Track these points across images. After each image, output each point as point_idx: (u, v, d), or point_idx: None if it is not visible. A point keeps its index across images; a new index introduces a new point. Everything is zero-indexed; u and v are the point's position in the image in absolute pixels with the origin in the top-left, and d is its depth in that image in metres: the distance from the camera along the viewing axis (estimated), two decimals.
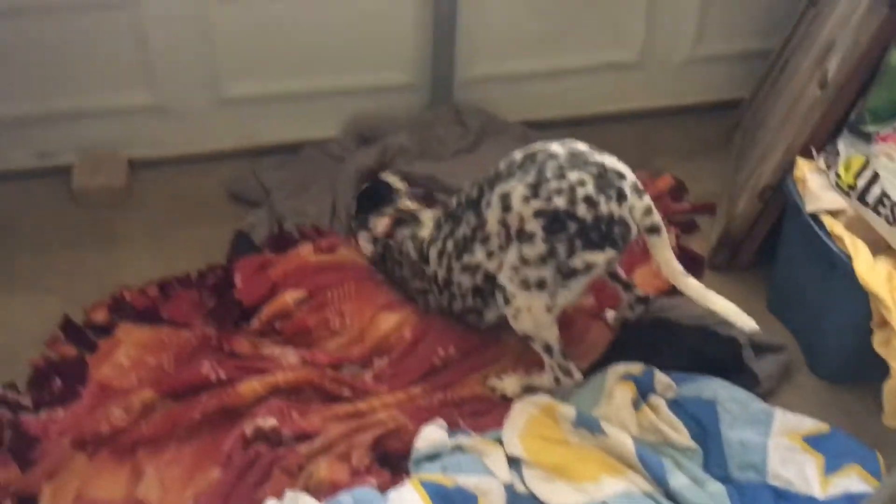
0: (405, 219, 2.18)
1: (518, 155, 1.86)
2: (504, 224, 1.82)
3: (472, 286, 1.95)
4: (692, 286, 1.87)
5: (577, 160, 1.78)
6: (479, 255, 1.88)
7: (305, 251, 2.28)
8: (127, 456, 1.86)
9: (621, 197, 1.76)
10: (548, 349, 1.93)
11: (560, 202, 1.74)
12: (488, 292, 1.93)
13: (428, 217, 2.12)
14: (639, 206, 1.79)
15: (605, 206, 1.75)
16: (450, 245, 1.95)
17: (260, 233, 2.38)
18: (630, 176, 1.81)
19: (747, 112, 2.74)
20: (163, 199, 2.57)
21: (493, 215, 1.83)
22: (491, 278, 1.89)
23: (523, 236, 1.79)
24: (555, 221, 1.75)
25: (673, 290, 2.15)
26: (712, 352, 2.10)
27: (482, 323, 2.05)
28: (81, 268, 2.34)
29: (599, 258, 1.78)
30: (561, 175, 1.76)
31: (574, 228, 1.75)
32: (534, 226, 1.77)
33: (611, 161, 1.81)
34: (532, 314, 1.85)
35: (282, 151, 2.68)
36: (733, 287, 2.36)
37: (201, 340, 2.06)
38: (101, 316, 2.18)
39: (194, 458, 1.86)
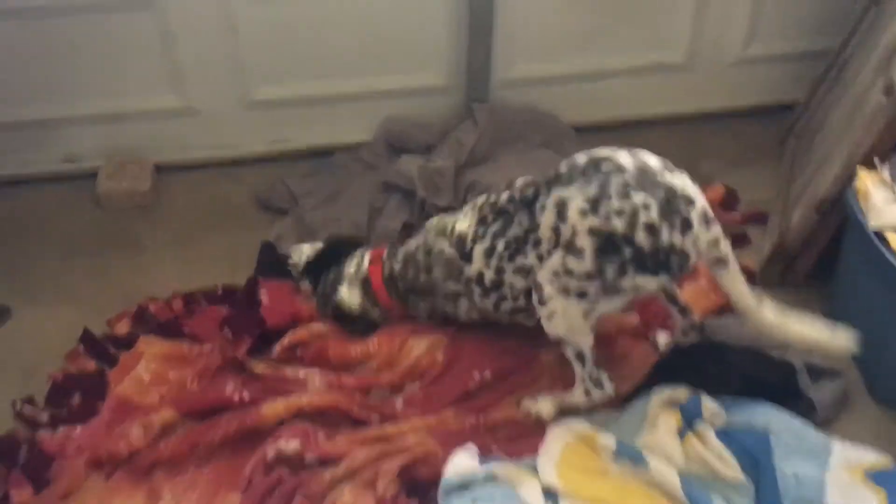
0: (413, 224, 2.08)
1: (581, 159, 1.72)
2: (556, 231, 1.70)
3: (525, 288, 1.82)
4: (769, 321, 1.72)
5: (645, 179, 1.64)
6: (531, 258, 1.77)
7: None
8: (143, 478, 1.79)
9: (686, 227, 1.63)
10: (580, 357, 1.83)
11: (619, 224, 1.62)
12: None
13: (463, 213, 1.95)
14: (704, 237, 1.65)
15: (667, 236, 1.62)
16: (500, 245, 1.82)
17: (287, 244, 2.30)
18: (700, 202, 1.67)
19: (802, 116, 2.59)
20: (189, 204, 2.51)
21: (546, 220, 1.71)
22: None
23: (572, 248, 1.67)
24: (609, 243, 1.63)
25: (722, 310, 2.03)
26: (765, 377, 1.96)
27: (532, 321, 1.92)
28: (104, 275, 2.29)
29: (651, 283, 1.68)
30: (625, 194, 1.62)
31: (629, 254, 1.63)
32: (585, 242, 1.65)
33: (682, 183, 1.66)
34: (567, 318, 1.76)
35: (312, 157, 2.61)
36: (787, 304, 2.23)
37: (225, 359, 1.98)
38: (122, 328, 2.13)
39: (213, 482, 1.78)
